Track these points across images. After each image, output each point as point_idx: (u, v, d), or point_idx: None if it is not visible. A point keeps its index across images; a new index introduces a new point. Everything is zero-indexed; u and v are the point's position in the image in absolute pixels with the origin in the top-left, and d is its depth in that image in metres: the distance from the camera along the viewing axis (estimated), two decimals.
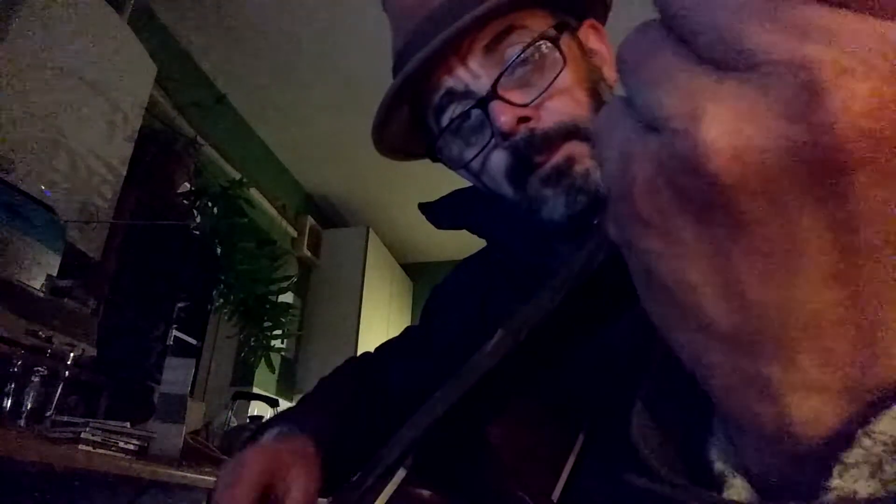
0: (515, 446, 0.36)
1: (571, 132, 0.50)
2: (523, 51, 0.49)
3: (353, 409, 0.65)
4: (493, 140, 0.51)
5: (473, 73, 0.51)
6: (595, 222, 0.49)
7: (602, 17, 0.60)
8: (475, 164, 0.54)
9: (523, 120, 0.49)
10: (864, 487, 0.15)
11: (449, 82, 0.52)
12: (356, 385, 0.69)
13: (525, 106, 0.49)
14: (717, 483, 0.19)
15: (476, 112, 0.51)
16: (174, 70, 2.43)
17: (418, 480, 0.40)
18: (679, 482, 0.19)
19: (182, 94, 2.44)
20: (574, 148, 0.50)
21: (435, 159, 0.58)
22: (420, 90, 0.54)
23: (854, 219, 0.14)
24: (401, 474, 0.39)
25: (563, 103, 0.50)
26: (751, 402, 0.16)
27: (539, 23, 0.51)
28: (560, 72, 0.50)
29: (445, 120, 0.53)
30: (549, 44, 0.50)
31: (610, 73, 0.57)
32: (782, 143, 0.13)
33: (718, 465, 0.19)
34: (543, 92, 0.49)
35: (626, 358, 0.38)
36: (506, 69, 0.49)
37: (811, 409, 0.15)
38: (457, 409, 0.36)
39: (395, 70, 0.55)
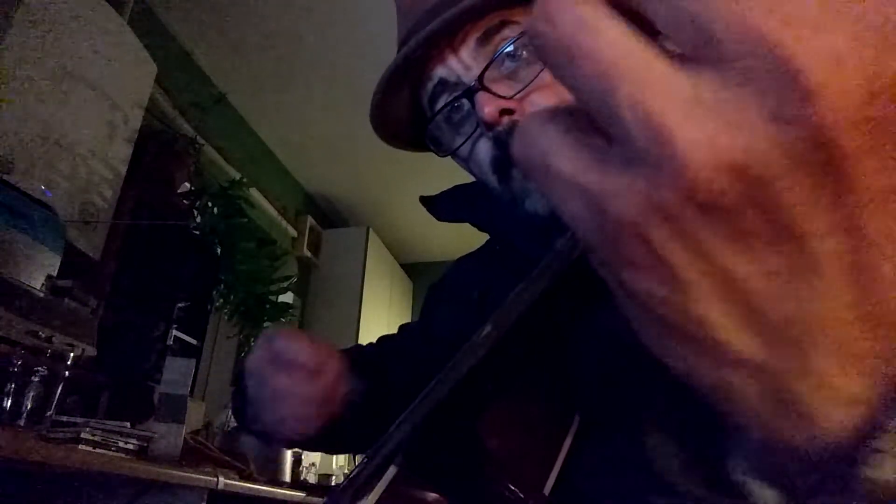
0: (507, 441, 0.36)
1: None
2: (510, 45, 0.50)
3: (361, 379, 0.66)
4: (479, 129, 0.52)
5: (465, 65, 0.52)
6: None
7: None
8: (463, 151, 0.55)
9: (506, 112, 0.50)
10: (892, 471, 0.15)
11: (441, 72, 0.53)
12: (359, 367, 0.69)
13: (509, 98, 0.50)
14: (738, 494, 0.18)
15: (465, 101, 0.52)
16: (174, 70, 2.44)
17: (409, 477, 0.40)
18: (704, 496, 0.19)
19: (182, 94, 2.44)
20: None
21: (426, 148, 0.59)
22: (417, 79, 0.55)
23: (861, 214, 0.13)
24: (392, 472, 0.39)
25: (546, 98, 0.50)
26: (782, 420, 0.16)
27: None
28: (543, 68, 0.50)
29: (437, 108, 0.55)
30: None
31: None
32: (778, 150, 0.12)
33: (740, 477, 0.18)
34: (527, 86, 0.50)
35: (618, 353, 0.38)
36: (492, 61, 0.50)
37: (842, 417, 0.15)
38: (447, 404, 0.36)
39: None
